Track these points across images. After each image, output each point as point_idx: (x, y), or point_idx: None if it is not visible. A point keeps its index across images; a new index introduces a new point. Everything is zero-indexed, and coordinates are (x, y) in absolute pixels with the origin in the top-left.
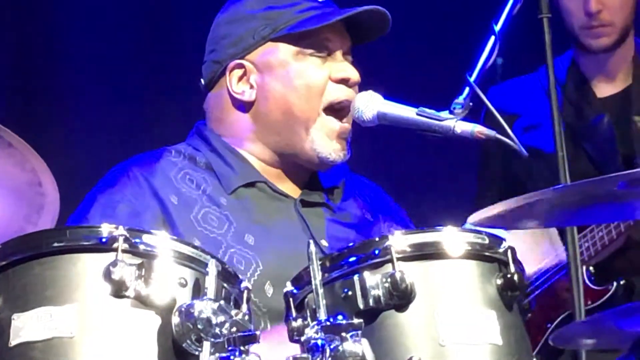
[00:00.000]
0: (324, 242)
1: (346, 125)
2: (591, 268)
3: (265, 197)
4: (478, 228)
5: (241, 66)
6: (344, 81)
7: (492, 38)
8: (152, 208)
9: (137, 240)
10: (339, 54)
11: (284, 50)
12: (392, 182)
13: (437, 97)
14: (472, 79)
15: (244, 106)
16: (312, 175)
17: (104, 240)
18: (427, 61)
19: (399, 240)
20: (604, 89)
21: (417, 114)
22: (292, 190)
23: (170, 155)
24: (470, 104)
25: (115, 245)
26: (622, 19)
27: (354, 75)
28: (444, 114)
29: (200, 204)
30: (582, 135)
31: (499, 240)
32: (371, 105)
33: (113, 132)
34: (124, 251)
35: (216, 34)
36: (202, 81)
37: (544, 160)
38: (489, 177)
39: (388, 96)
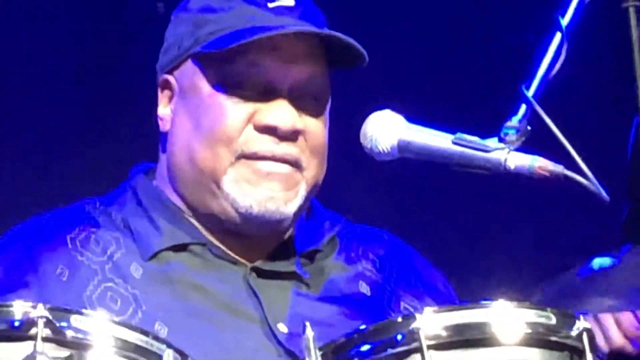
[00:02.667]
0: (282, 327)
1: (279, 168)
2: None
3: (202, 264)
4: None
5: (168, 84)
6: (269, 130)
7: (558, 35)
8: (27, 285)
9: (64, 323)
10: (278, 89)
11: (201, 74)
12: (417, 233)
13: (482, 118)
14: (530, 93)
15: (164, 139)
16: (282, 234)
17: (17, 324)
18: (465, 69)
19: (431, 321)
20: None
21: (454, 143)
22: (249, 255)
23: (80, 212)
24: (529, 128)
25: (33, 331)
26: None
27: (284, 123)
28: (492, 142)
29: (100, 277)
30: None
31: (571, 319)
32: (389, 130)
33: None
34: (45, 339)
35: (165, 33)
36: None
37: None
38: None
39: (412, 118)
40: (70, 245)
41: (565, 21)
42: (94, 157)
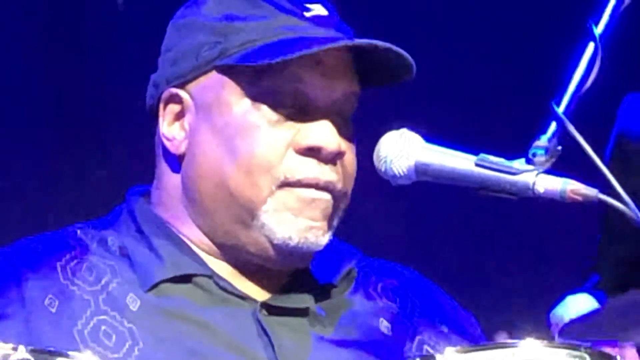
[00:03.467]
0: None
1: (321, 196)
2: None
3: (207, 299)
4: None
5: (179, 99)
6: (314, 152)
7: (591, 46)
8: (12, 316)
9: None
10: (318, 107)
11: (230, 89)
12: (435, 264)
13: (507, 137)
14: (560, 110)
15: (174, 161)
16: (295, 268)
17: None
18: (489, 83)
19: None
20: None
21: (477, 165)
22: (259, 290)
23: (71, 237)
24: (559, 147)
25: None
26: None
27: (329, 143)
28: (519, 163)
29: (93, 308)
30: None
31: (608, 358)
32: (406, 151)
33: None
34: None
35: (164, 43)
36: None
37: None
38: (611, 249)
39: (431, 137)
40: (60, 273)
41: (598, 30)
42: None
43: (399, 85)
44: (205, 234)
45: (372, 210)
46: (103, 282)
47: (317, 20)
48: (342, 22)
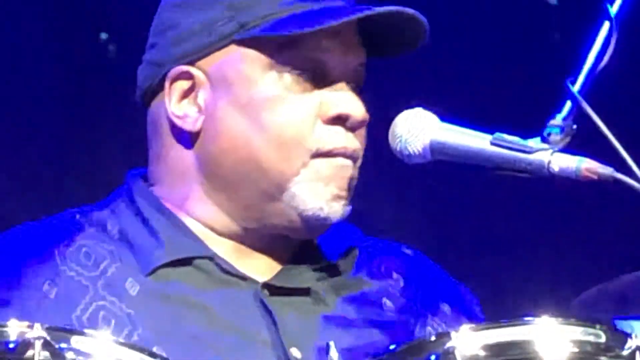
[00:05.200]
0: (296, 352)
1: (348, 165)
2: None
3: (207, 281)
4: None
5: (188, 75)
6: (341, 120)
7: (606, 25)
8: (8, 303)
9: (64, 344)
10: (339, 76)
11: (252, 62)
12: (446, 243)
13: (523, 116)
14: (576, 88)
15: (185, 138)
16: (297, 247)
17: (12, 346)
18: (505, 62)
19: (468, 340)
20: None
21: (492, 144)
22: (261, 270)
23: (70, 222)
24: (574, 126)
25: (29, 353)
26: None
27: (356, 111)
28: (534, 142)
29: (92, 294)
30: None
31: (624, 336)
32: (421, 130)
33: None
34: None
35: (160, 20)
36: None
37: None
38: None
39: (446, 116)
40: (58, 259)
41: (614, 9)
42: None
43: (414, 65)
44: (223, 209)
45: (380, 187)
46: (102, 267)
47: None
48: None
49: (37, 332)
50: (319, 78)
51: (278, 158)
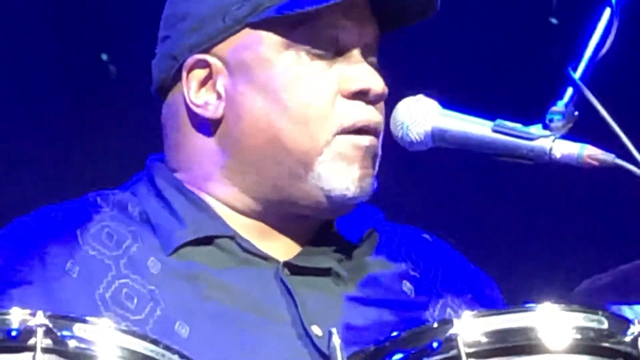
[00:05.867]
0: (316, 329)
1: (372, 141)
2: None
3: (229, 260)
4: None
5: (205, 64)
6: (362, 94)
7: (607, 11)
8: (32, 282)
9: (66, 332)
10: (355, 51)
11: (269, 43)
12: (452, 229)
13: (524, 103)
14: (577, 75)
15: (207, 126)
16: (318, 228)
17: (14, 333)
18: (505, 49)
19: (470, 327)
20: None
21: (494, 130)
22: (281, 250)
23: (90, 205)
24: (576, 113)
25: (32, 341)
26: None
27: (376, 84)
28: (535, 129)
29: (115, 272)
30: None
31: (626, 323)
32: (422, 117)
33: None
34: (45, 350)
35: (171, 12)
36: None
37: None
38: None
39: (448, 103)
40: (80, 239)
41: None
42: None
43: (415, 52)
44: (245, 190)
45: (385, 173)
46: (124, 247)
47: None
48: None
49: (40, 319)
50: (336, 54)
51: (303, 137)
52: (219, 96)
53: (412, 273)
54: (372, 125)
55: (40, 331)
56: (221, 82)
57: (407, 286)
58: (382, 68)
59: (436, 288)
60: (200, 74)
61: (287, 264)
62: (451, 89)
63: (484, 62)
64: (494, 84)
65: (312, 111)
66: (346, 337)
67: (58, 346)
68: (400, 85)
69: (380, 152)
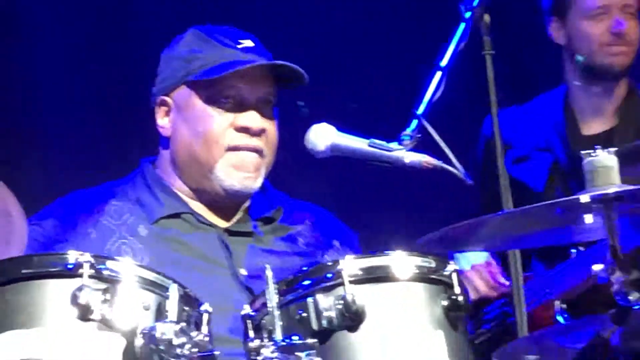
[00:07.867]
0: (243, 271)
1: (251, 156)
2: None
3: (190, 228)
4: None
5: (165, 102)
6: (244, 130)
7: (438, 74)
8: (67, 240)
9: (102, 266)
10: (248, 103)
11: (193, 95)
12: (347, 209)
13: (388, 129)
14: (419, 112)
15: (166, 140)
16: (244, 206)
17: (70, 266)
18: (378, 96)
19: (350, 265)
20: (591, 127)
21: (369, 145)
22: (221, 221)
23: (108, 189)
24: (418, 135)
25: (81, 271)
26: (636, 48)
27: (254, 123)
28: (394, 145)
29: (118, 235)
30: (569, 171)
31: (445, 263)
32: (325, 136)
33: (79, 159)
34: (89, 277)
35: (159, 67)
36: None
37: (529, 195)
38: (487, 195)
39: (341, 128)
40: (97, 213)
41: (443, 63)
42: (111, 154)
43: (316, 91)
44: (186, 184)
45: (300, 171)
46: (123, 218)
47: (245, 49)
48: (264, 49)
49: (86, 258)
50: (234, 103)
51: (205, 152)
52: (170, 123)
53: (304, 232)
54: (251, 146)
55: (86, 265)
56: (171, 115)
57: (301, 242)
58: (306, 104)
59: (320, 243)
60: (163, 107)
61: (226, 230)
62: (344, 119)
63: (364, 102)
64: (370, 117)
65: (211, 137)
66: (254, 273)
67: (97, 274)
68: (312, 116)
69: (265, 163)
